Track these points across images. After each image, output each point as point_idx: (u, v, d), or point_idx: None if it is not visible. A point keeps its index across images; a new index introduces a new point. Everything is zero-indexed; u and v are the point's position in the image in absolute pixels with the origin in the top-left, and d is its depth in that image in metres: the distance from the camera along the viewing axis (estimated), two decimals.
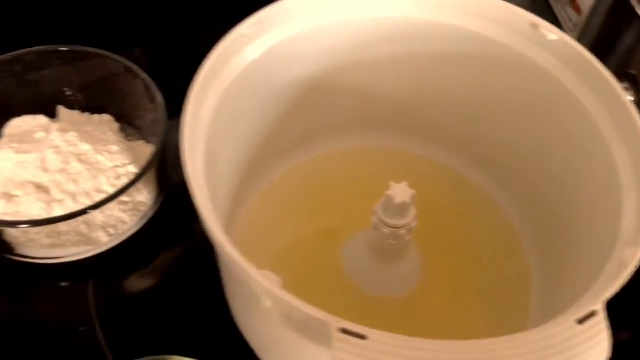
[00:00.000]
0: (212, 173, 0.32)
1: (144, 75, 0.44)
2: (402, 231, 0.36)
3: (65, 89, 0.48)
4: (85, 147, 0.43)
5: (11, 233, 0.40)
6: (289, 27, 0.37)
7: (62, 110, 0.48)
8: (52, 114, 0.47)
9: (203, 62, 0.32)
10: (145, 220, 0.44)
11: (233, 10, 0.38)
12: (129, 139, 0.48)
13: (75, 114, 0.48)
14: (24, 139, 0.43)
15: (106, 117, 0.48)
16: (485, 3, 0.39)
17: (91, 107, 0.49)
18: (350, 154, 0.48)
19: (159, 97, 0.43)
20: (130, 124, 0.49)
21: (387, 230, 0.37)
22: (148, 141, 0.47)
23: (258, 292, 0.26)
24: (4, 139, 0.43)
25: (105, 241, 0.42)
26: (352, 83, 0.44)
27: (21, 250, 0.41)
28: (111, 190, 0.43)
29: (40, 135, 0.43)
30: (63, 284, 0.44)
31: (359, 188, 0.46)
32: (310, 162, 0.47)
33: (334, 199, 0.46)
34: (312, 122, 0.44)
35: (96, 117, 0.48)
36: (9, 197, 0.41)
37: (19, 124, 0.45)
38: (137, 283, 0.45)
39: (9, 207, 0.40)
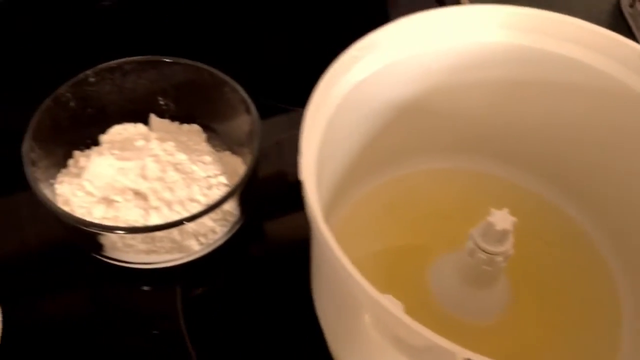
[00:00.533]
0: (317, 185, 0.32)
1: (239, 88, 0.45)
2: (499, 258, 0.36)
3: (159, 97, 0.49)
4: (181, 157, 0.44)
5: (110, 238, 0.41)
6: (393, 52, 0.38)
7: (153, 118, 0.49)
8: (143, 122, 0.49)
9: (321, 78, 0.33)
10: (233, 231, 0.45)
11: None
12: (216, 149, 0.49)
13: (166, 123, 0.49)
14: (125, 146, 0.44)
15: (195, 127, 0.50)
16: (591, 32, 0.38)
17: (180, 116, 0.50)
18: (434, 174, 0.48)
19: (254, 110, 0.44)
20: (215, 134, 0.50)
21: (483, 256, 0.37)
22: (234, 152, 0.48)
23: (377, 316, 0.27)
24: (105, 145, 0.45)
25: (196, 249, 0.43)
26: (444, 106, 0.44)
27: (117, 254, 0.42)
28: (203, 200, 0.44)
29: (140, 143, 0.44)
30: (151, 287, 0.45)
31: (442, 209, 0.46)
32: (396, 180, 0.47)
33: (418, 218, 0.46)
34: (401, 142, 0.45)
35: (185, 126, 0.50)
36: (108, 202, 0.42)
37: (119, 131, 0.46)
38: (224, 291, 0.45)
39: (109, 212, 0.42)
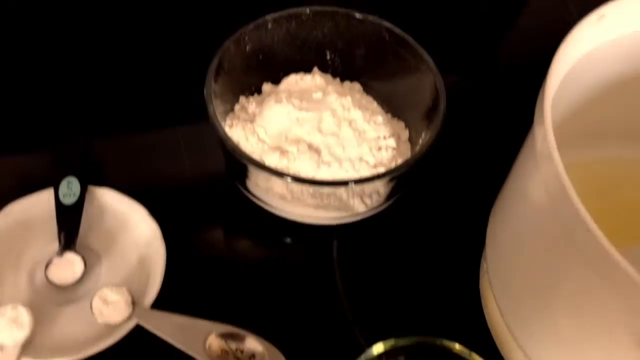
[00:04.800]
0: None
1: (422, 51, 0.43)
2: None
3: (327, 51, 0.47)
4: (356, 114, 0.42)
5: (280, 189, 0.40)
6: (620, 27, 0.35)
7: (316, 72, 0.47)
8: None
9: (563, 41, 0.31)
10: (397, 195, 0.43)
11: None
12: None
13: (329, 77, 0.48)
14: (303, 96, 0.43)
15: (356, 85, 0.48)
16: None
17: (342, 71, 0.48)
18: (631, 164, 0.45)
19: (438, 75, 0.42)
20: (377, 94, 0.48)
21: None
22: (395, 115, 0.46)
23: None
24: (282, 94, 0.43)
25: (361, 210, 0.42)
26: None
27: (286, 207, 0.41)
28: (372, 161, 0.42)
29: (318, 95, 0.43)
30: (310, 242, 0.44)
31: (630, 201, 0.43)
32: (590, 163, 0.44)
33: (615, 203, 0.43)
34: (609, 121, 0.42)
35: (347, 83, 0.48)
36: (282, 151, 0.41)
37: (296, 80, 0.45)
38: (381, 256, 0.44)
39: (282, 161, 0.40)
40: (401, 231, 0.45)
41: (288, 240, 0.45)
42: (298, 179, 0.37)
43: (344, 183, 0.38)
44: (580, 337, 0.31)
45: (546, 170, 0.29)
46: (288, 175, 0.37)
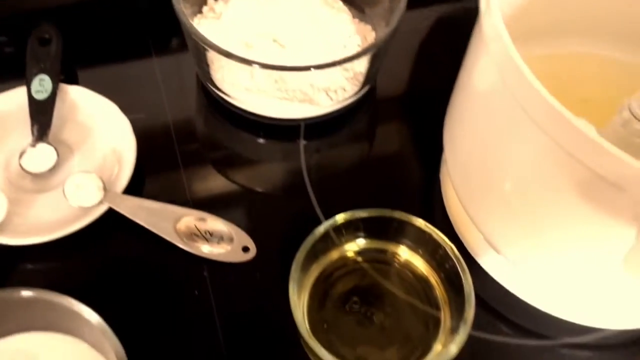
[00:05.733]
0: None
1: None
2: None
3: None
4: (322, 10, 0.43)
5: (244, 80, 0.41)
6: None
7: None
8: None
9: None
10: (362, 92, 0.45)
11: None
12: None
13: None
14: None
15: None
16: None
17: None
18: (567, 57, 0.46)
19: None
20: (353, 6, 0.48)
21: (638, 126, 0.35)
22: (361, 19, 0.47)
23: (568, 145, 0.26)
24: None
25: (326, 104, 0.43)
26: None
27: (250, 105, 0.43)
28: (337, 57, 0.43)
29: None
30: (279, 141, 0.46)
31: (579, 92, 0.44)
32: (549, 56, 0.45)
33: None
34: (554, 17, 0.43)
35: None
36: (247, 45, 0.42)
37: None
38: (347, 148, 0.46)
39: (248, 54, 0.41)
40: (365, 128, 0.47)
41: (260, 140, 0.46)
42: (263, 65, 0.38)
43: (305, 68, 0.39)
44: (524, 205, 0.33)
45: (494, 47, 0.30)
46: (253, 62, 0.38)
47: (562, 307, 0.38)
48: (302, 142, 0.45)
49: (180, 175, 0.42)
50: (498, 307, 0.38)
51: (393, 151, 0.46)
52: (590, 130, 0.26)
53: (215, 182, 0.43)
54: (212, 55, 0.41)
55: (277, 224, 0.41)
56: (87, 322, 0.31)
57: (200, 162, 0.44)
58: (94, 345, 0.33)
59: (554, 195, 0.31)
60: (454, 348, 0.32)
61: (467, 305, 0.33)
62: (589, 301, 0.37)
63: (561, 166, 0.28)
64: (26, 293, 0.31)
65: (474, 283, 0.34)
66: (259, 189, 0.43)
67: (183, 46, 0.44)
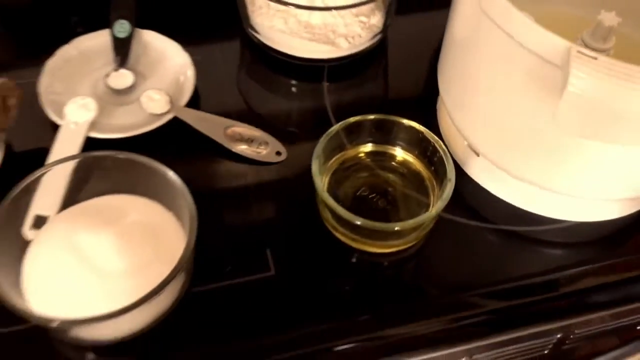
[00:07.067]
0: None
1: None
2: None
3: None
4: None
5: (279, 24, 0.52)
6: None
7: None
8: None
9: None
10: (376, 39, 0.56)
11: None
12: None
13: None
14: None
15: None
16: None
17: None
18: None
19: None
20: None
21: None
22: None
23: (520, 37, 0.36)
24: None
25: (344, 47, 0.54)
26: None
27: (283, 46, 0.54)
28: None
29: None
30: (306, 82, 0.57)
31: None
32: None
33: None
34: None
35: None
36: None
37: None
38: (362, 88, 0.56)
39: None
40: (377, 72, 0.58)
41: (292, 81, 0.57)
42: (297, 5, 0.49)
43: (327, 8, 0.50)
44: (491, 100, 0.43)
45: None
46: (288, 2, 0.50)
47: (525, 199, 0.47)
48: (325, 84, 0.56)
49: (228, 97, 0.54)
50: (472, 201, 0.48)
51: (398, 90, 0.56)
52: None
53: (256, 104, 0.54)
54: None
55: (304, 137, 0.52)
56: (167, 183, 0.41)
57: (247, 86, 0.55)
58: (171, 208, 0.43)
59: (511, 84, 0.40)
60: (433, 211, 0.42)
61: (448, 184, 0.43)
62: (548, 194, 0.47)
63: (515, 57, 0.38)
64: (120, 154, 0.42)
65: (457, 183, 0.43)
66: (291, 113, 0.54)
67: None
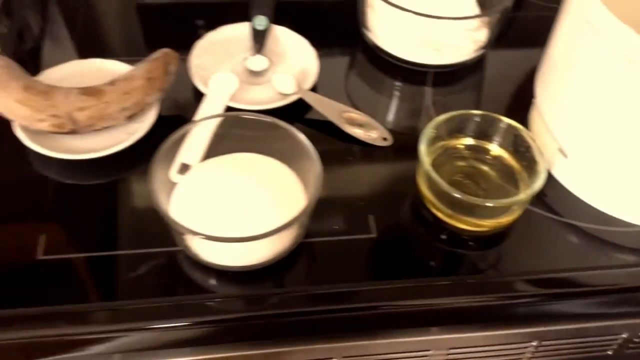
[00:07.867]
0: None
1: None
2: None
3: None
4: None
5: (394, 26, 0.60)
6: None
7: None
8: None
9: None
10: (479, 53, 0.62)
11: None
12: None
13: None
14: None
15: None
16: None
17: None
18: None
19: None
20: None
21: None
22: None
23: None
24: None
25: (450, 57, 0.61)
26: None
27: (394, 49, 0.62)
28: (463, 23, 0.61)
29: None
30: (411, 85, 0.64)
31: None
32: None
33: None
34: None
35: None
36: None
37: None
38: (461, 95, 0.63)
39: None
40: (476, 82, 0.64)
41: (397, 83, 0.65)
42: (415, 12, 0.57)
43: (441, 18, 0.57)
44: (594, 109, 0.49)
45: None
46: (406, 9, 0.57)
47: (613, 204, 0.52)
48: (429, 88, 0.63)
49: (343, 90, 0.62)
50: (555, 199, 0.54)
51: (493, 98, 0.63)
52: None
53: (365, 98, 0.62)
54: (373, 3, 0.60)
55: (406, 130, 0.59)
56: (298, 146, 0.48)
57: (357, 82, 0.63)
58: (295, 169, 0.50)
59: (614, 95, 0.46)
60: (523, 195, 0.48)
61: (540, 176, 0.49)
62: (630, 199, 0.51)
63: (620, 69, 0.44)
64: (265, 117, 0.50)
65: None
66: (395, 109, 0.62)
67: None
